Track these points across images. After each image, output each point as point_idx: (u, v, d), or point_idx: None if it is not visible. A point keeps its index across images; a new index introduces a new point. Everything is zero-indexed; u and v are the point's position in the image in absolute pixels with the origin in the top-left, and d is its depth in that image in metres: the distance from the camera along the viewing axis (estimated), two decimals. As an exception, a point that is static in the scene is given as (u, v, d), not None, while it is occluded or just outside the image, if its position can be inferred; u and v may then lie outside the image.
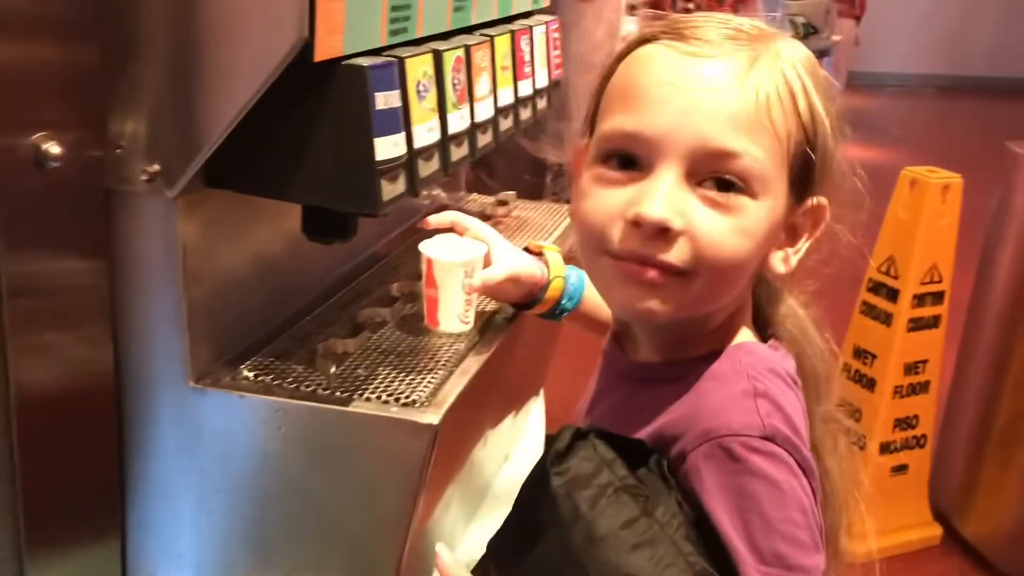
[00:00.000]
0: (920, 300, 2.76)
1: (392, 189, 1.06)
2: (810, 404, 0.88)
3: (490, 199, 1.85)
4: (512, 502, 0.86)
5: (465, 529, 1.50)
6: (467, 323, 1.24)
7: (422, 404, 1.07)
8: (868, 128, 6.23)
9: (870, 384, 2.85)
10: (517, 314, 1.35)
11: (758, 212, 0.80)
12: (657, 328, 0.89)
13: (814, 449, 0.85)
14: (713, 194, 0.79)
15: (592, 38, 3.31)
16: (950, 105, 10.70)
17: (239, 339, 1.17)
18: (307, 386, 1.10)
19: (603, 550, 0.75)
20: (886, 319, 2.80)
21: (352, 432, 1.06)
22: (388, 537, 1.09)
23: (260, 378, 1.11)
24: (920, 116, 10.26)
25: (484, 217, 1.73)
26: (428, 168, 1.16)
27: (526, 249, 1.29)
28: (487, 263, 1.24)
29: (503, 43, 1.40)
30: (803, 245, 0.87)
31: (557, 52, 1.67)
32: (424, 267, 1.21)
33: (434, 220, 1.27)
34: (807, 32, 8.05)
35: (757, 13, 5.84)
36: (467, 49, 1.26)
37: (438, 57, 1.17)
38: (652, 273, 0.80)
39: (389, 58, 1.06)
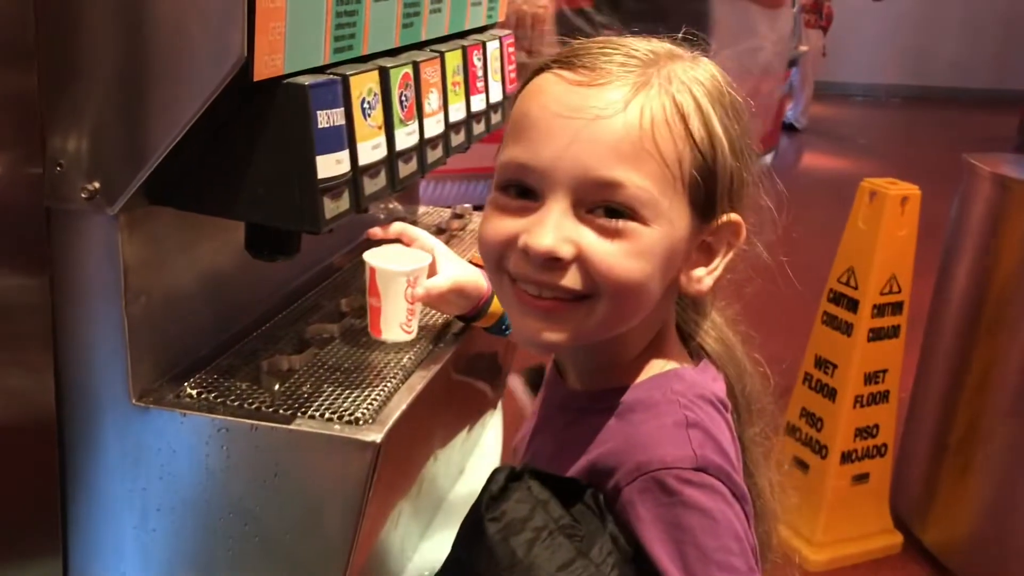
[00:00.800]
0: (880, 310, 2.79)
1: (335, 207, 1.06)
2: (741, 425, 0.89)
3: (446, 212, 1.86)
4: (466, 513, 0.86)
5: (417, 545, 1.49)
6: (409, 332, 1.24)
7: (366, 422, 1.07)
8: (834, 137, 6.27)
9: (831, 394, 2.87)
10: (467, 327, 1.35)
11: (651, 236, 0.81)
12: (573, 355, 0.90)
13: (746, 468, 0.86)
14: (602, 221, 0.80)
15: None
16: (914, 115, 10.84)
17: (184, 356, 1.17)
18: (251, 403, 1.09)
19: None
20: (847, 329, 2.83)
21: (295, 450, 1.06)
22: (333, 556, 1.09)
23: (204, 395, 1.10)
24: (884, 126, 10.38)
25: (440, 230, 1.73)
26: (374, 185, 1.16)
27: (472, 262, 1.29)
28: (433, 274, 1.24)
29: (454, 58, 1.41)
30: (720, 263, 0.86)
31: (512, 67, 1.68)
32: (367, 276, 1.22)
33: (378, 230, 1.28)
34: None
35: None
36: (415, 65, 1.26)
37: (384, 74, 1.18)
38: (546, 304, 0.81)
39: (332, 76, 1.06)
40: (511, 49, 1.68)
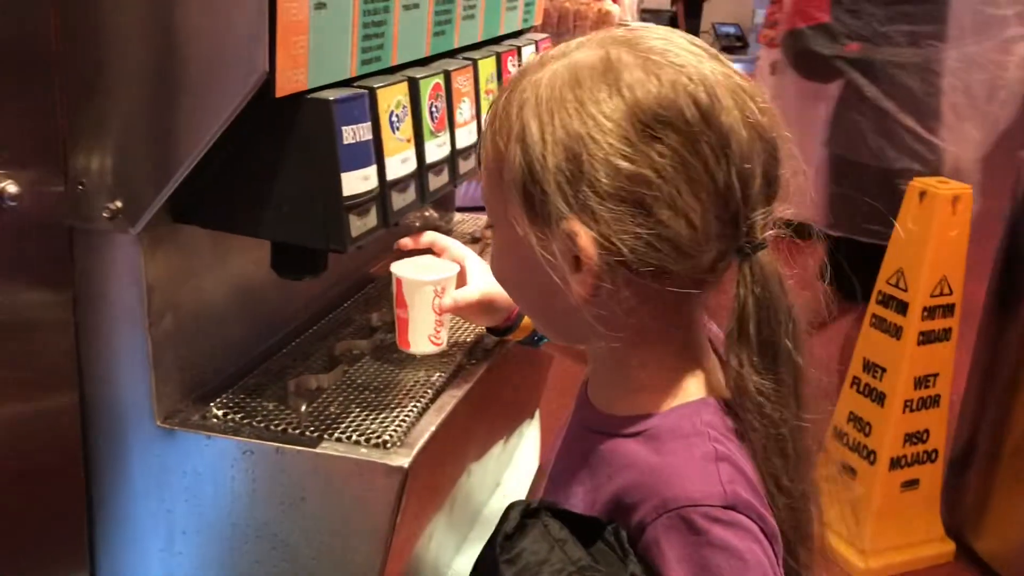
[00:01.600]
0: (930, 313, 2.71)
1: (362, 224, 1.04)
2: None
3: (482, 220, 1.83)
4: None
5: (452, 559, 1.47)
6: (439, 344, 1.20)
7: (393, 444, 1.04)
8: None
9: (879, 398, 2.80)
10: (500, 342, 1.32)
11: (498, 242, 0.86)
12: (595, 373, 0.89)
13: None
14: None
15: None
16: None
17: (210, 375, 1.15)
18: (277, 425, 1.07)
19: None
20: (896, 332, 2.75)
21: (321, 474, 1.03)
22: (361, 580, 1.06)
23: (229, 416, 1.08)
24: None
25: (474, 239, 1.70)
26: (403, 200, 1.13)
27: None
28: (463, 284, 1.21)
29: (488, 66, 1.37)
30: (585, 274, 0.77)
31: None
32: (394, 287, 1.19)
33: (408, 241, 1.24)
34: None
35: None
36: (447, 75, 1.23)
37: (414, 85, 1.14)
38: None
39: (358, 90, 1.04)
40: (547, 53, 1.64)
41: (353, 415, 1.10)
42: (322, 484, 1.04)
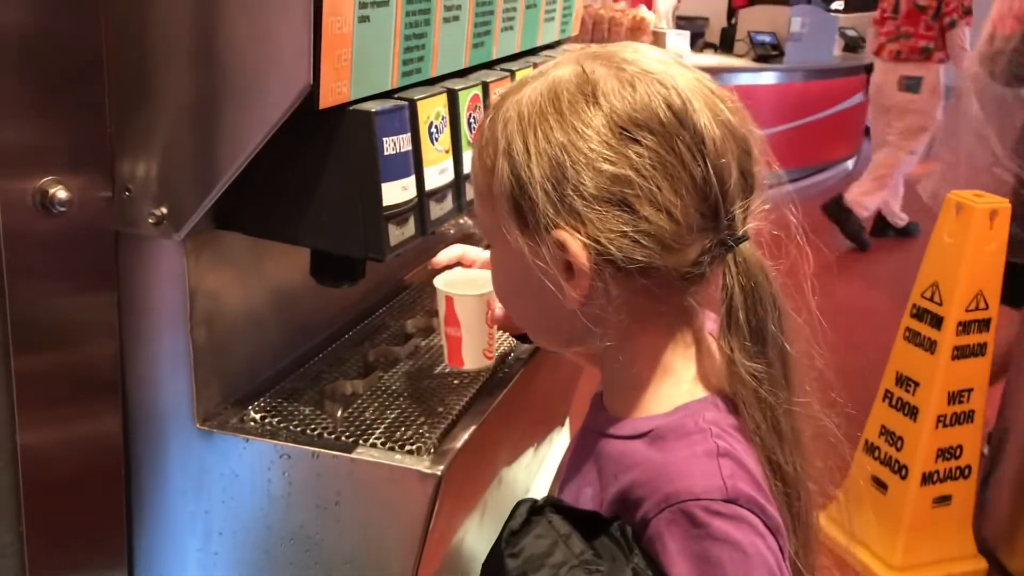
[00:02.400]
0: (965, 327, 2.69)
1: (400, 233, 1.05)
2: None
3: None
4: None
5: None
6: (491, 358, 1.20)
7: (427, 451, 1.05)
8: (919, 144, 6.11)
9: (912, 412, 2.78)
10: (537, 350, 1.33)
11: (495, 259, 0.91)
12: (603, 376, 0.92)
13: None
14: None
15: None
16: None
17: (249, 379, 1.17)
18: (313, 429, 1.09)
19: None
20: (930, 346, 2.73)
21: (355, 479, 1.05)
22: (393, 584, 1.08)
23: (267, 420, 1.10)
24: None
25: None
26: (440, 209, 1.14)
27: None
28: None
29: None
30: (578, 279, 0.81)
31: (584, 81, 1.65)
32: (443, 306, 1.16)
33: (441, 258, 1.24)
34: (857, 45, 7.93)
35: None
36: (485, 86, 1.24)
37: (453, 97, 1.16)
38: None
39: (399, 101, 1.05)
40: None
41: (388, 421, 1.11)
42: (357, 489, 1.05)
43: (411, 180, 1.06)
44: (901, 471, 2.80)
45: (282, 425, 1.09)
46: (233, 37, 0.95)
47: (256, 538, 1.10)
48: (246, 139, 0.97)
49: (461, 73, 1.25)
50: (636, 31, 5.97)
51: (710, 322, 0.88)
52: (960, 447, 2.80)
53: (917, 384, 2.77)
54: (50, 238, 0.98)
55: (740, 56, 6.97)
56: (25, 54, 0.92)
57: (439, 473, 1.01)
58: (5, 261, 0.94)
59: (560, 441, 1.82)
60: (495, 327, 1.20)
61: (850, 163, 8.15)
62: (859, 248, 5.68)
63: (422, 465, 1.02)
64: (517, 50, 1.42)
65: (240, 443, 1.07)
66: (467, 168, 1.20)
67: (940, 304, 2.71)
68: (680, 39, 6.41)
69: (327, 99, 0.96)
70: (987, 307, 2.70)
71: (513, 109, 0.83)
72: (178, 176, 1.01)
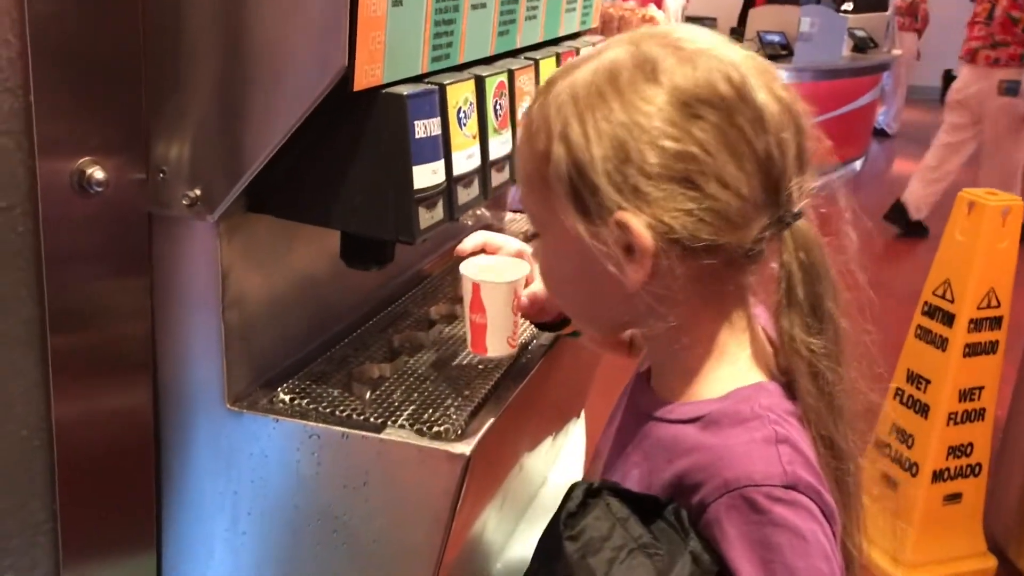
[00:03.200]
0: (977, 325, 2.69)
1: (430, 217, 1.06)
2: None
3: (535, 219, 1.84)
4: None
5: (501, 552, 1.49)
6: (515, 346, 1.19)
7: (455, 433, 1.06)
8: (927, 143, 6.10)
9: (923, 410, 2.78)
10: (557, 339, 1.34)
11: (548, 247, 0.89)
12: (651, 359, 0.92)
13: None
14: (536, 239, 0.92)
15: None
16: (1015, 120, 10.41)
17: (278, 361, 1.18)
18: (342, 411, 1.10)
19: None
20: (941, 344, 2.74)
21: (384, 460, 1.06)
22: (420, 565, 1.08)
23: (296, 401, 1.11)
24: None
25: (528, 237, 1.72)
26: (467, 194, 1.15)
27: None
28: (529, 281, 1.21)
29: (548, 66, 1.40)
30: (641, 260, 0.79)
31: (604, 73, 1.66)
32: (468, 292, 1.15)
33: (467, 245, 1.22)
34: (866, 46, 7.94)
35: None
36: (510, 73, 1.26)
37: (480, 83, 1.17)
38: None
39: (430, 85, 1.06)
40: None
41: (415, 404, 1.12)
42: (385, 469, 1.06)
43: (440, 164, 1.07)
44: (912, 468, 2.81)
45: (311, 406, 1.10)
46: (269, 20, 0.96)
47: (284, 518, 1.11)
48: (280, 122, 0.98)
49: (487, 61, 1.26)
50: (646, 30, 5.96)
51: (758, 310, 0.88)
52: (971, 445, 2.80)
53: (928, 381, 2.77)
54: (86, 219, 0.99)
55: (749, 56, 6.96)
56: (64, 39, 0.94)
57: (468, 454, 1.02)
58: (44, 240, 0.95)
59: (576, 433, 1.83)
60: (519, 315, 1.20)
61: (858, 164, 8.15)
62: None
63: (450, 446, 1.03)
64: (540, 39, 1.43)
65: (270, 423, 1.08)
66: (493, 155, 1.21)
67: (952, 301, 2.71)
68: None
69: (361, 82, 0.97)
70: (999, 305, 2.70)
71: (566, 92, 0.82)
72: (212, 158, 1.02)
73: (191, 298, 1.08)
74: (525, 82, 1.31)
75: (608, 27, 6.00)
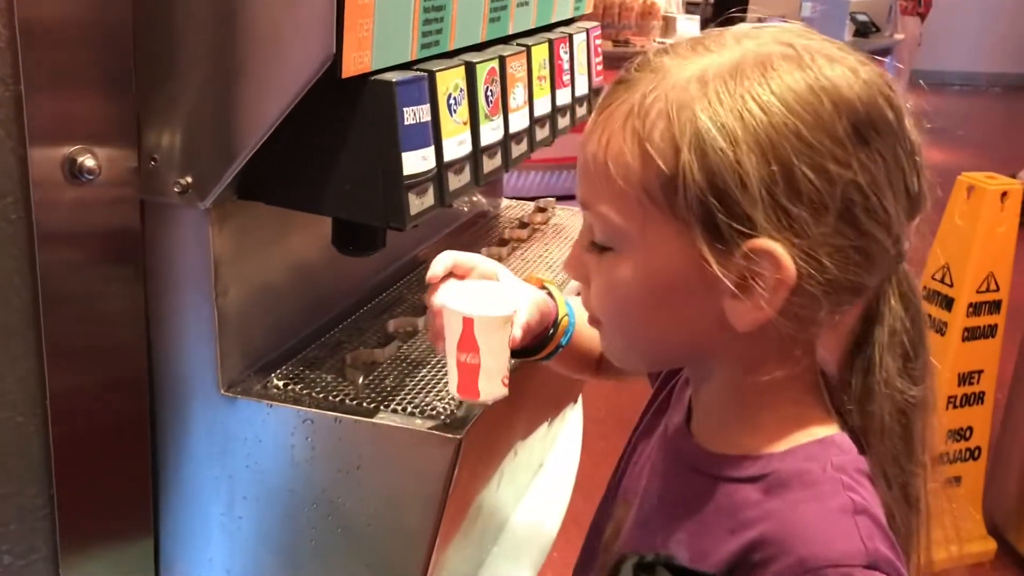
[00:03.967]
0: (976, 309, 2.70)
1: (420, 203, 1.07)
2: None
3: (529, 205, 1.85)
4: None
5: (496, 537, 1.50)
6: (507, 384, 1.00)
7: (448, 417, 1.07)
8: (930, 129, 6.08)
9: (922, 394, 2.79)
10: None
11: (625, 265, 0.75)
12: (702, 402, 0.83)
13: None
14: (593, 253, 0.78)
15: None
16: (1016, 105, 10.43)
17: (271, 347, 1.19)
18: (335, 396, 1.11)
19: None
20: (940, 328, 2.74)
21: (377, 444, 1.07)
22: (414, 547, 1.10)
23: (290, 387, 1.12)
24: (984, 116, 10.02)
25: (522, 224, 1.73)
26: (459, 181, 1.16)
27: (528, 280, 1.11)
28: None
29: (540, 52, 1.40)
30: (764, 299, 0.69)
31: (599, 59, 1.66)
32: (455, 328, 0.96)
33: (437, 270, 1.02)
34: (867, 30, 7.91)
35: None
36: (502, 60, 1.26)
37: (471, 69, 1.17)
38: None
39: (419, 72, 1.07)
40: (598, 42, 1.66)
41: (408, 388, 1.13)
42: (378, 453, 1.07)
43: (430, 150, 1.08)
44: (911, 452, 2.82)
45: (305, 392, 1.11)
46: (258, 8, 0.96)
47: (279, 502, 1.12)
48: (269, 109, 0.99)
49: (478, 47, 1.26)
50: (647, 16, 5.96)
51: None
52: (970, 428, 2.82)
53: (927, 365, 2.78)
54: (79, 206, 1.00)
55: (750, 42, 6.94)
56: (53, 28, 0.94)
57: (459, 437, 1.03)
58: (36, 227, 0.96)
59: (573, 418, 1.84)
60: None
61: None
62: None
63: (443, 430, 1.04)
64: (532, 26, 1.44)
65: (264, 409, 1.09)
66: (484, 141, 1.22)
67: (951, 286, 2.72)
68: (690, 24, 6.41)
69: (349, 69, 0.97)
70: (998, 289, 2.71)
71: (695, 88, 0.68)
72: (203, 145, 1.03)
73: (184, 285, 1.09)
74: (517, 68, 1.31)
75: (608, 13, 5.99)
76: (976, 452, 2.85)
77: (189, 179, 1.03)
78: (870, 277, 0.71)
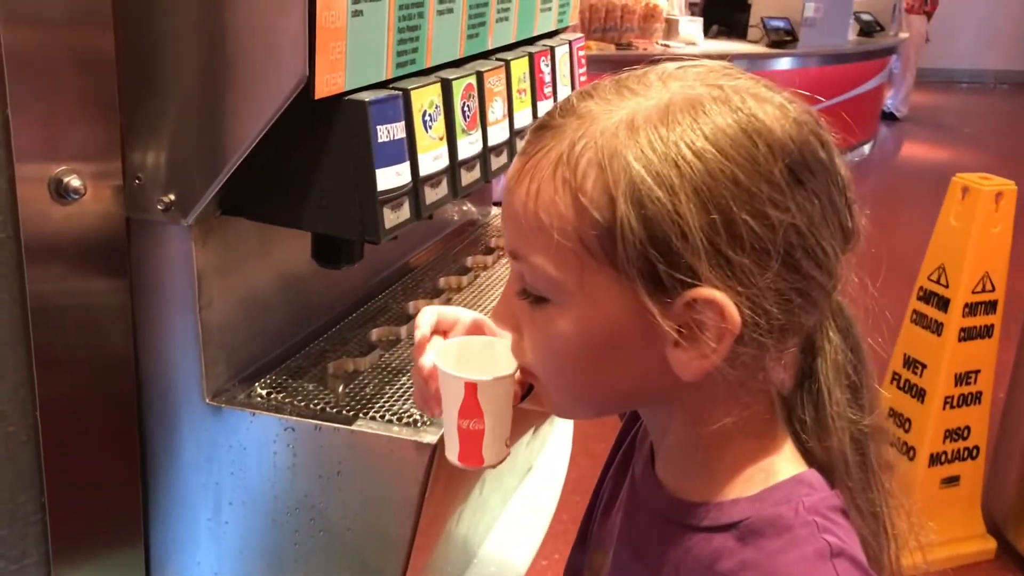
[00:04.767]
0: (972, 309, 2.72)
1: (395, 217, 1.10)
2: None
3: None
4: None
5: (482, 541, 1.53)
6: (510, 445, 0.91)
7: (424, 423, 1.11)
8: (936, 126, 6.07)
9: (920, 394, 2.81)
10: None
11: (560, 318, 0.70)
12: (661, 444, 0.81)
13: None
14: (525, 303, 0.73)
15: None
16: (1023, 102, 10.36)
17: (256, 357, 1.23)
18: (316, 404, 1.14)
19: None
20: (936, 328, 2.76)
21: (356, 450, 1.10)
22: (393, 550, 1.13)
23: (273, 396, 1.16)
24: (991, 114, 9.98)
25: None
26: (435, 194, 1.19)
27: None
28: None
29: (520, 66, 1.43)
30: (716, 346, 0.67)
31: (582, 70, 1.69)
32: (456, 395, 0.86)
33: (425, 329, 0.92)
34: (872, 29, 7.91)
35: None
36: (479, 75, 1.29)
37: (447, 86, 1.21)
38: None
39: (393, 91, 1.10)
40: (581, 52, 1.69)
41: (386, 396, 1.17)
42: (356, 459, 1.11)
43: (405, 166, 1.12)
44: (909, 452, 2.84)
45: (287, 400, 1.15)
46: (235, 33, 1.00)
47: (264, 507, 1.16)
48: (247, 129, 1.02)
49: (457, 63, 1.29)
50: (649, 19, 5.98)
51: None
52: (968, 428, 2.83)
53: (924, 366, 2.80)
54: (66, 224, 1.04)
55: (754, 42, 6.97)
56: (41, 52, 0.98)
57: (434, 443, 1.07)
58: (24, 246, 1.00)
59: (563, 421, 1.87)
60: None
61: (866, 148, 8.13)
62: None
63: (418, 436, 1.08)
64: (513, 40, 1.47)
65: (247, 417, 1.13)
66: (462, 155, 1.25)
67: (947, 286, 2.73)
68: (693, 26, 6.43)
69: (322, 90, 1.01)
70: (993, 289, 2.72)
71: (624, 131, 0.66)
72: (185, 164, 1.07)
73: (169, 299, 1.13)
74: (495, 83, 1.34)
75: (611, 16, 6.02)
76: (975, 451, 2.86)
77: (172, 197, 1.07)
78: (810, 317, 0.71)
